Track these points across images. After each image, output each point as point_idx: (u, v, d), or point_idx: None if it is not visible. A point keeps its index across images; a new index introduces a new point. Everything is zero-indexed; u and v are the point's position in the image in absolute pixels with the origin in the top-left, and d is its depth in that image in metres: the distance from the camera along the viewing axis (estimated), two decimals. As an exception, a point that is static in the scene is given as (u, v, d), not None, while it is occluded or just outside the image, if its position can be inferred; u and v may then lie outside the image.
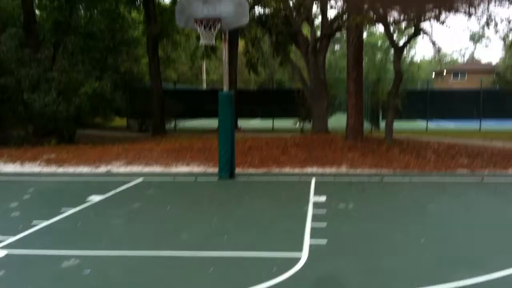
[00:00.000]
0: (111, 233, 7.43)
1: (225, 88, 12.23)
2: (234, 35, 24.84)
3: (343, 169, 13.23)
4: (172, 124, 27.49)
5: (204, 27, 11.77)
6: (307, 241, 6.79)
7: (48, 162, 14.42)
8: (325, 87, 20.25)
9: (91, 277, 5.56)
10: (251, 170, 13.11)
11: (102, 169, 13.57)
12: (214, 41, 12.36)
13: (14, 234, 7.19)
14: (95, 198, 9.75)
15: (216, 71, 53.87)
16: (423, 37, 18.02)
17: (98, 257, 6.28)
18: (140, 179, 11.99)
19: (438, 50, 18.08)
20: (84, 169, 13.52)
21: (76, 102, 18.05)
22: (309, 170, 13.13)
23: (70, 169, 13.55)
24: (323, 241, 6.76)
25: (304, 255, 6.20)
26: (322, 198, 9.60)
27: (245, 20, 12.26)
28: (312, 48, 19.68)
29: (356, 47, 17.56)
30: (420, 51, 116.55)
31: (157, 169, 13.48)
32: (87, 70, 20.38)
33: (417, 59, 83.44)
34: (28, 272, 5.74)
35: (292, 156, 14.60)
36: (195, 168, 13.46)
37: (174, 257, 6.25)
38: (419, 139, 18.38)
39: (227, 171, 12.01)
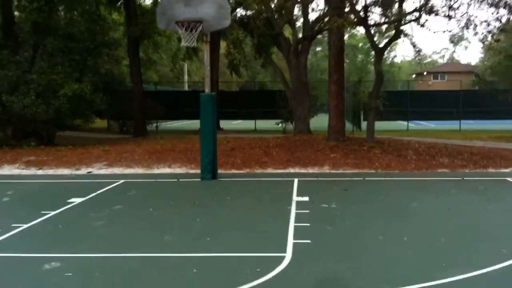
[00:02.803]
0: (93, 235, 7.35)
1: (207, 89, 12.19)
2: (216, 36, 24.78)
3: (326, 169, 13.27)
4: (154, 126, 27.33)
5: (186, 29, 11.72)
6: (290, 241, 6.79)
7: (28, 164, 14.23)
8: (307, 89, 20.30)
9: (72, 279, 5.49)
10: (234, 171, 13.09)
11: (83, 171, 13.43)
12: (195, 43, 12.32)
13: (-7, 237, 7.07)
14: (76, 200, 9.64)
15: (198, 72, 53.74)
16: (403, 40, 18.32)
17: (79, 259, 6.21)
18: (121, 181, 11.89)
19: (418, 52, 18.25)
20: (65, 171, 13.37)
21: (55, 104, 17.83)
22: (291, 170, 13.15)
23: (50, 171, 13.39)
24: (306, 241, 6.76)
25: (288, 255, 6.20)
26: (305, 198, 9.62)
27: (227, 22, 12.25)
28: (293, 50, 19.72)
29: (338, 49, 17.64)
30: (401, 52, 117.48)
31: (138, 170, 13.38)
32: (67, 71, 20.15)
33: (398, 60, 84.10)
34: (10, 275, 5.66)
35: (275, 156, 14.61)
36: (177, 170, 13.39)
37: (157, 258, 6.21)
38: (400, 139, 18.51)
39: (210, 172, 11.97)
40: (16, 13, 24.93)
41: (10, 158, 15.01)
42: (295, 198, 9.71)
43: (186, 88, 46.92)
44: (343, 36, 18.85)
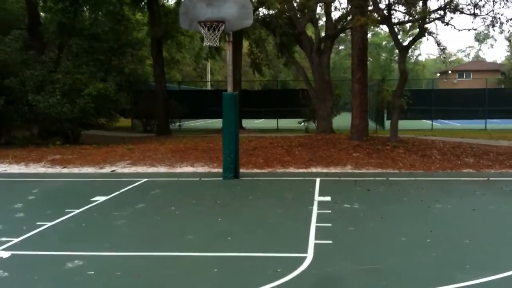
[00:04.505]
0: (115, 234, 7.42)
1: (229, 88, 12.21)
2: (238, 36, 24.80)
3: (348, 169, 13.19)
4: (177, 125, 27.49)
5: (208, 29, 11.75)
6: (312, 241, 6.76)
7: (53, 163, 14.44)
8: (329, 87, 20.21)
9: (94, 278, 5.55)
10: (256, 170, 13.09)
11: (107, 169, 13.57)
12: (217, 43, 12.34)
13: (19, 235, 7.18)
14: (100, 199, 9.75)
15: (220, 71, 53.91)
16: (427, 39, 18.08)
17: (102, 257, 6.28)
18: (144, 180, 11.99)
19: (443, 50, 18.01)
20: (89, 170, 13.54)
21: (80, 103, 18.06)
22: (314, 170, 13.10)
23: (75, 170, 13.57)
24: (328, 241, 6.73)
25: (310, 255, 6.18)
26: (327, 198, 9.57)
27: (249, 22, 12.24)
28: (316, 49, 19.64)
29: (361, 47, 17.53)
30: (425, 50, 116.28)
31: (161, 169, 13.47)
32: (92, 71, 20.38)
33: (422, 58, 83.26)
34: (32, 273, 5.73)
35: (297, 156, 14.57)
36: (200, 169, 13.45)
37: (178, 258, 6.24)
38: (424, 138, 18.31)
39: (232, 171, 11.99)
40: (41, 14, 25.32)
41: (35, 157, 15.25)
42: (317, 198, 9.67)
43: (209, 87, 47.12)
44: (366, 34, 18.71)
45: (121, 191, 10.63)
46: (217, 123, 14.18)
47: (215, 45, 12.28)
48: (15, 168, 13.93)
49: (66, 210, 8.72)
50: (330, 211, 8.53)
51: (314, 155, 14.61)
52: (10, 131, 19.40)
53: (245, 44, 31.00)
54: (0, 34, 19.48)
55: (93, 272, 5.70)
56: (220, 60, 41.03)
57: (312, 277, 5.49)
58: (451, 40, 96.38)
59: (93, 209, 9.03)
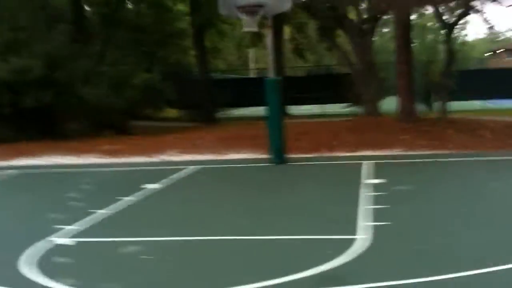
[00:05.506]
0: (166, 220, 7.56)
1: (271, 74, 12.19)
2: (279, 22, 24.67)
3: (397, 151, 13.00)
4: (222, 113, 27.64)
5: (246, 13, 11.72)
6: (361, 223, 6.70)
7: (103, 153, 14.79)
8: (374, 70, 19.91)
9: (147, 263, 5.67)
10: (302, 155, 13.05)
11: (156, 158, 13.82)
12: (256, 27, 12.31)
13: (74, 223, 7.38)
14: (150, 186, 9.92)
15: (263, 59, 53.81)
16: (475, 17, 17.49)
17: (153, 243, 6.40)
18: (192, 167, 12.14)
19: (491, 28, 17.46)
20: (139, 159, 13.81)
21: (127, 94, 18.40)
22: (361, 153, 12.96)
23: (125, 159, 13.87)
24: (377, 223, 6.65)
25: (360, 237, 6.12)
26: (376, 181, 9.46)
27: (288, 5, 12.16)
28: (359, 32, 19.35)
29: (405, 28, 17.16)
30: (473, 29, 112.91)
31: (209, 156, 13.61)
32: (137, 63, 20.69)
33: (470, 37, 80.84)
34: (85, 259, 5.88)
35: (344, 140, 14.45)
36: (246, 155, 13.52)
37: (228, 241, 6.30)
38: (474, 118, 17.84)
39: (278, 156, 12.00)
40: (86, 7, 25.83)
41: (87, 148, 15.63)
42: (365, 180, 9.57)
43: (252, 75, 47.14)
44: (410, 15, 18.30)
45: (170, 178, 10.80)
46: (262, 111, 14.24)
47: (254, 30, 12.26)
48: (67, 159, 14.34)
49: (117, 198, 8.91)
50: (379, 193, 8.41)
51: (362, 138, 14.45)
52: (61, 124, 19.93)
53: (287, 30, 30.81)
54: (47, 29, 19.96)
55: (145, 256, 5.82)
56: (262, 47, 40.91)
57: (363, 258, 5.44)
58: (500, 18, 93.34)
59: (144, 196, 9.21)
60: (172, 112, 28.83)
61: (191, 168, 12.05)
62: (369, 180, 9.55)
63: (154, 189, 9.77)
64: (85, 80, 18.66)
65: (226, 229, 6.81)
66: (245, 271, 5.25)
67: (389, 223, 6.63)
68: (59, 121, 19.88)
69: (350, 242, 5.90)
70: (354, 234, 6.21)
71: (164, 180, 10.51)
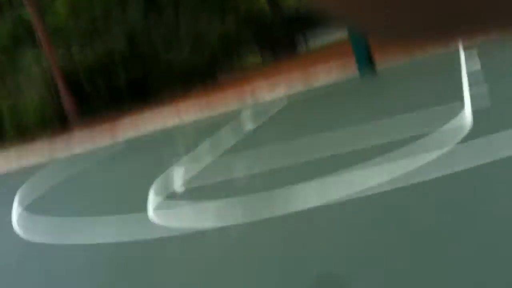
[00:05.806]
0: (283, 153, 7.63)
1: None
2: None
3: (494, 37, 12.10)
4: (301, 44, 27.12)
5: None
6: (468, 109, 6.44)
7: (197, 106, 15.28)
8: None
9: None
10: (391, 60, 12.50)
11: (249, 100, 13.99)
12: None
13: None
14: (251, 127, 10.14)
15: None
16: None
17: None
18: (286, 100, 12.22)
19: None
20: (233, 104, 14.10)
21: (207, 52, 18.69)
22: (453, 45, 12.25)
23: (218, 108, 14.24)
24: (484, 108, 6.34)
25: (467, 123, 5.91)
26: (477, 67, 8.96)
27: None
28: None
29: None
30: None
31: (299, 87, 13.53)
32: (211, 17, 20.79)
33: None
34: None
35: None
36: (336, 76, 13.24)
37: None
38: None
39: (369, 68, 11.81)
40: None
41: (186, 107, 16.08)
42: (466, 70, 9.08)
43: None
44: None
45: (268, 116, 10.94)
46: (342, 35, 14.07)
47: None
48: (169, 118, 14.99)
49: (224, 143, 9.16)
50: (481, 78, 7.99)
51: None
52: (155, 91, 20.57)
53: None
54: (122, 10, 20.46)
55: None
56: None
57: (474, 145, 5.24)
58: None
59: (248, 136, 9.42)
60: (255, 58, 28.81)
61: (285, 101, 12.11)
62: (471, 69, 9.03)
63: (255, 130, 9.93)
64: (167, 47, 19.12)
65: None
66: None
67: (497, 107, 6.30)
68: (153, 89, 20.58)
69: (460, 130, 5.69)
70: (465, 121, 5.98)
71: (260, 118, 10.67)
